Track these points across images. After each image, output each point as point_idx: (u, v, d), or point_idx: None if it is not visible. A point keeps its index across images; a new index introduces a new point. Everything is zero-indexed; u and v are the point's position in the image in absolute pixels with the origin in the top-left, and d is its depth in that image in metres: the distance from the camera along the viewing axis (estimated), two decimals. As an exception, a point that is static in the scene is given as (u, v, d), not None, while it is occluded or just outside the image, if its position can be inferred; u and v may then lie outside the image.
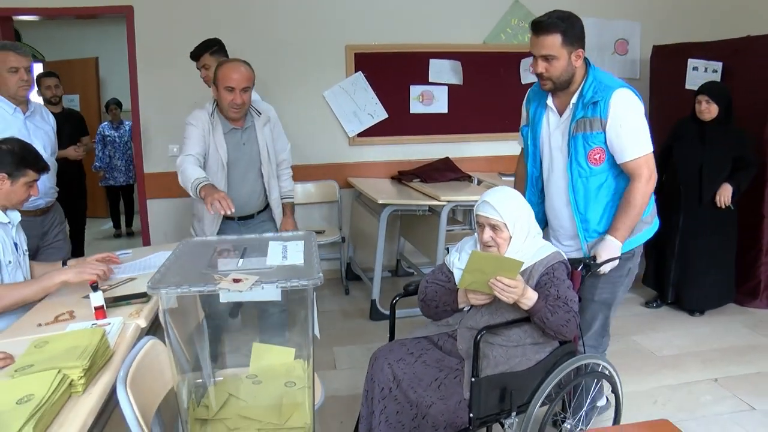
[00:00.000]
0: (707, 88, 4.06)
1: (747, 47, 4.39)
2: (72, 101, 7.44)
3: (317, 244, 2.31)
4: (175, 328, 1.98)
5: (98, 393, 1.64)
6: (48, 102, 4.95)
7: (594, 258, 2.43)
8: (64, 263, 2.71)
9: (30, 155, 2.47)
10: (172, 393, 2.03)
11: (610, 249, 2.42)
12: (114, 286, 2.50)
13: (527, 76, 5.22)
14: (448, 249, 2.68)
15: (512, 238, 2.27)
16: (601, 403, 2.82)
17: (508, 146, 4.88)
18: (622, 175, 2.45)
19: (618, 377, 2.45)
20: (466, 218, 5.33)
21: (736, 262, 4.34)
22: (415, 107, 5.32)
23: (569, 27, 2.36)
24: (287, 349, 2.38)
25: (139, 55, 4.78)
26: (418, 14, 5.19)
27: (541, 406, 2.21)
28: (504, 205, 2.26)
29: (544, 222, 2.69)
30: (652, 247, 4.50)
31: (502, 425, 2.28)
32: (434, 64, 5.27)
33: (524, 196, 2.59)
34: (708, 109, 4.01)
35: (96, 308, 2.13)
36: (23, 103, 3.23)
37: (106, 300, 2.21)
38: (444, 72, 5.30)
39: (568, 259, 2.36)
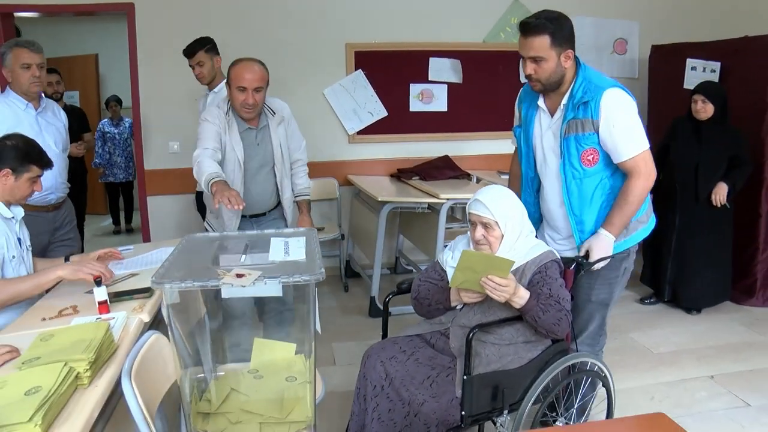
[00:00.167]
0: (703, 88, 4.09)
1: (745, 47, 4.41)
2: (72, 98, 7.45)
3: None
4: (177, 323, 2.01)
5: (104, 385, 1.66)
6: (49, 99, 4.97)
7: (586, 256, 2.42)
8: (67, 258, 2.74)
9: (34, 151, 2.48)
10: (174, 387, 2.05)
11: (603, 244, 2.40)
12: (117, 281, 2.52)
13: (526, 75, 5.23)
14: (447, 246, 2.69)
15: (504, 237, 2.27)
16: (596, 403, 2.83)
17: (507, 144, 4.84)
18: (617, 173, 2.43)
19: (610, 376, 2.46)
20: (465, 216, 5.35)
21: (732, 261, 4.37)
22: (415, 105, 5.34)
23: (558, 28, 2.31)
24: (288, 345, 2.40)
25: (140, 52, 4.80)
26: (418, 13, 5.22)
27: (533, 405, 2.22)
28: (496, 203, 2.27)
29: (539, 221, 2.69)
30: (649, 245, 4.54)
31: (494, 423, 2.29)
32: (434, 62, 5.30)
33: (519, 195, 2.60)
34: (704, 109, 4.04)
35: (99, 303, 2.16)
36: (35, 99, 3.26)
37: (109, 295, 2.23)
38: (444, 70, 5.33)
39: (561, 258, 2.37)
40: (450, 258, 2.44)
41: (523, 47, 2.37)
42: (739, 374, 3.44)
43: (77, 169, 5.21)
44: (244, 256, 2.19)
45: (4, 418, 1.37)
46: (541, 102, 2.50)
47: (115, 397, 1.81)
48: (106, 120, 7.02)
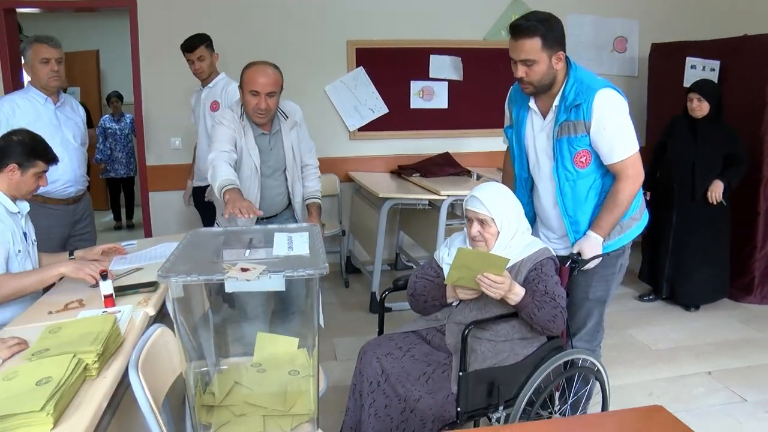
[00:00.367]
0: (698, 86, 4.12)
1: (744, 46, 4.44)
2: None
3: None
4: (182, 317, 2.03)
5: (112, 377, 1.69)
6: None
7: (579, 254, 2.43)
8: (71, 254, 2.76)
9: (39, 146, 2.50)
10: (179, 380, 2.08)
11: (593, 245, 2.41)
12: (121, 275, 2.54)
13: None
14: (444, 243, 2.70)
15: (500, 234, 2.28)
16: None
17: (507, 142, 4.93)
18: (610, 173, 2.42)
19: (604, 370, 2.47)
20: (464, 215, 5.37)
21: (730, 258, 4.40)
22: (416, 102, 5.37)
23: (549, 30, 2.27)
24: (291, 339, 2.43)
25: (142, 48, 4.82)
26: (419, 11, 5.24)
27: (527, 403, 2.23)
28: (492, 200, 2.28)
29: (534, 220, 2.68)
30: (647, 243, 4.58)
31: (490, 419, 2.29)
32: (435, 59, 5.32)
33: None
34: (699, 107, 4.07)
35: (105, 296, 2.19)
36: (54, 93, 3.31)
37: (114, 289, 2.25)
38: (444, 68, 5.35)
39: (556, 256, 2.38)
40: (446, 255, 2.45)
41: (514, 50, 2.33)
42: (736, 370, 3.47)
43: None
44: (248, 250, 2.21)
45: (18, 407, 1.40)
46: (532, 104, 2.47)
47: (121, 389, 1.83)
48: (107, 116, 7.04)
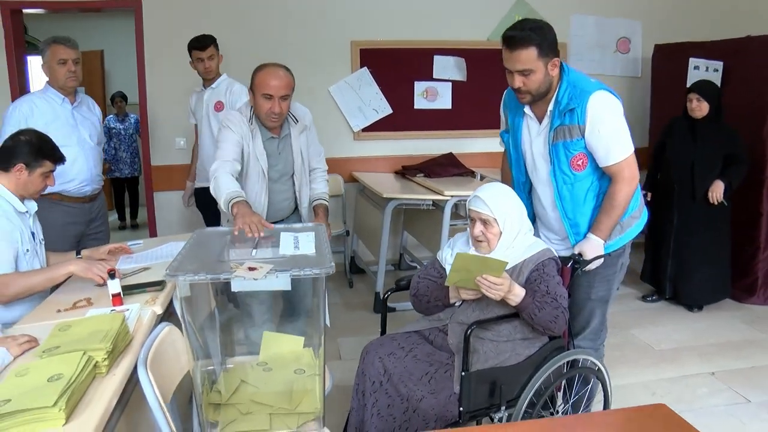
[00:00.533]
0: (698, 86, 4.14)
1: (747, 47, 4.44)
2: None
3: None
4: (189, 316, 2.05)
5: (121, 374, 1.71)
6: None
7: (581, 255, 2.43)
8: (78, 253, 2.79)
9: (47, 146, 2.52)
10: (186, 378, 2.10)
11: (594, 247, 2.42)
12: (128, 274, 2.57)
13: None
14: (447, 244, 2.71)
15: (502, 234, 2.30)
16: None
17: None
18: (607, 175, 2.43)
19: (606, 370, 2.48)
20: (468, 215, 5.39)
21: (733, 259, 4.41)
22: (419, 103, 5.38)
23: (543, 38, 2.26)
24: (296, 338, 2.45)
25: (147, 48, 4.84)
26: (423, 11, 5.26)
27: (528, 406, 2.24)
28: (495, 200, 2.29)
29: (533, 221, 2.67)
30: (649, 243, 4.58)
31: (492, 419, 2.31)
32: (438, 60, 5.34)
33: None
34: (699, 107, 4.09)
35: (113, 295, 2.21)
36: (71, 93, 3.35)
37: (122, 288, 2.27)
38: (448, 68, 5.36)
39: (558, 257, 2.39)
40: (449, 255, 2.46)
41: (509, 61, 2.31)
42: (739, 371, 3.48)
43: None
44: (254, 250, 2.23)
45: (31, 402, 1.42)
46: (527, 109, 2.47)
47: (129, 386, 1.85)
48: (111, 116, 7.07)
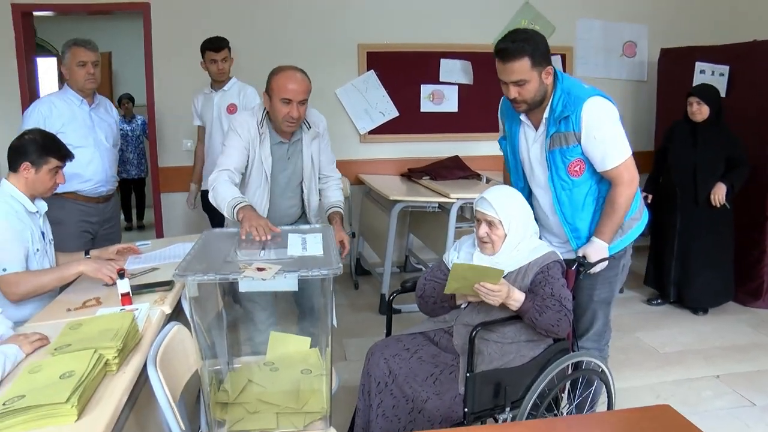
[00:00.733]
0: (698, 90, 4.16)
1: (753, 51, 4.45)
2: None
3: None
4: (197, 316, 2.07)
5: (131, 372, 1.73)
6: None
7: (584, 257, 2.45)
8: (87, 253, 2.81)
9: (51, 143, 2.54)
10: (193, 377, 2.12)
11: (598, 250, 2.43)
12: (138, 274, 2.59)
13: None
14: (453, 246, 2.72)
15: (507, 237, 2.31)
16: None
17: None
18: (605, 179, 2.45)
19: (609, 372, 2.48)
20: (474, 216, 5.40)
21: (738, 263, 4.41)
22: (426, 106, 5.41)
23: (535, 48, 2.29)
24: (303, 338, 2.47)
25: (155, 50, 4.88)
26: (429, 14, 5.28)
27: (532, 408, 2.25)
28: (501, 202, 2.31)
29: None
30: (651, 248, 4.59)
31: (496, 420, 2.32)
32: (445, 63, 5.36)
33: None
34: (699, 110, 4.10)
35: (123, 295, 2.23)
36: (89, 95, 3.39)
37: (131, 288, 2.30)
38: (454, 71, 5.39)
39: (563, 260, 2.40)
40: (456, 258, 2.47)
41: (503, 72, 2.35)
42: (744, 374, 3.48)
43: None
44: (262, 251, 2.25)
45: (44, 398, 1.44)
46: (523, 117, 2.50)
47: (139, 384, 1.87)
48: (118, 117, 7.09)
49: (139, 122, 7.04)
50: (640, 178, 2.46)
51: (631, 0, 5.66)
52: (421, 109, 5.40)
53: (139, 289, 2.37)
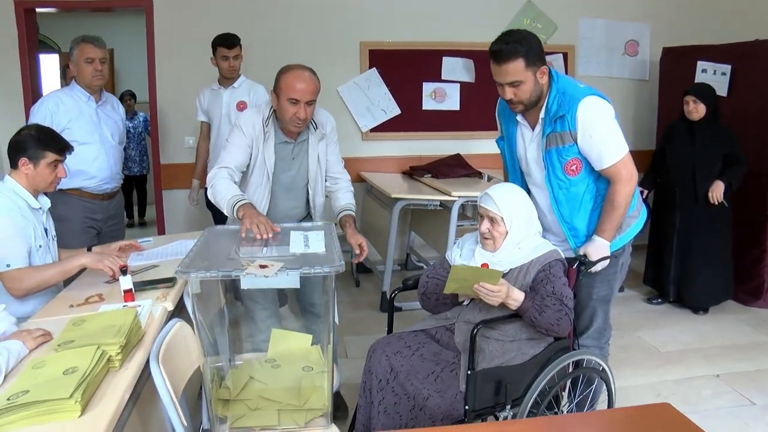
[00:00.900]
0: (694, 89, 4.17)
1: (755, 50, 4.45)
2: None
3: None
4: (200, 313, 2.08)
5: (134, 369, 1.74)
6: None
7: (585, 256, 2.46)
8: (89, 249, 2.82)
9: (47, 137, 2.53)
10: (195, 374, 2.13)
11: (600, 249, 2.44)
12: (139, 271, 2.60)
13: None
14: (456, 244, 2.73)
15: (508, 234, 2.32)
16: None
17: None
18: (603, 177, 2.46)
19: (609, 370, 2.49)
20: (475, 214, 5.40)
21: (739, 262, 4.42)
22: (428, 104, 5.42)
23: (529, 48, 2.30)
24: (305, 335, 2.48)
25: (158, 47, 4.88)
26: (431, 13, 5.29)
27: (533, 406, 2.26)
28: (504, 200, 2.33)
29: None
30: (651, 247, 4.59)
31: (497, 418, 2.33)
32: (447, 61, 5.37)
33: None
34: (695, 109, 4.11)
35: (125, 291, 2.24)
36: (97, 92, 3.40)
37: (133, 284, 2.30)
38: (456, 70, 5.39)
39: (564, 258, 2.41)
40: (458, 256, 2.49)
41: (498, 74, 2.37)
42: (744, 374, 3.48)
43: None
44: (265, 248, 2.26)
45: (47, 394, 1.45)
46: (520, 117, 2.51)
47: (141, 380, 1.88)
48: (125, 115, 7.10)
49: (141, 119, 7.04)
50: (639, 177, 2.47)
51: (633, -1, 5.66)
52: (423, 107, 5.41)
53: (141, 286, 2.38)
